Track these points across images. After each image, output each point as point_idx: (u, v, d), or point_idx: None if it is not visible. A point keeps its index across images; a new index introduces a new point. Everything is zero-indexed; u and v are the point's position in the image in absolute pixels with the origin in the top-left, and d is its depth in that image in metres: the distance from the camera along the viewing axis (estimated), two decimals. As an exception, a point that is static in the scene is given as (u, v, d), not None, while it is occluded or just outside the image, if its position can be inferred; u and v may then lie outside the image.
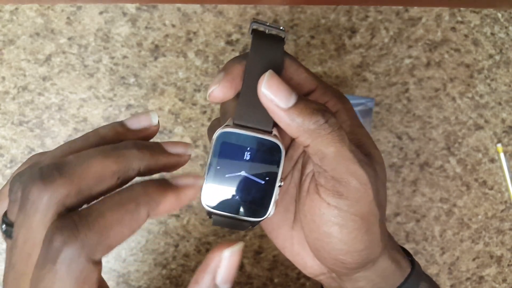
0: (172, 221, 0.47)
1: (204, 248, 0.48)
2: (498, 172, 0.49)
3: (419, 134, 0.48)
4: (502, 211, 0.49)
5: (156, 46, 0.46)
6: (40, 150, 0.46)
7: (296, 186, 0.29)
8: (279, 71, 0.25)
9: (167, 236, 0.47)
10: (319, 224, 0.26)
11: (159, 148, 0.24)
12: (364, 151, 0.27)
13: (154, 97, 0.47)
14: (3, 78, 0.46)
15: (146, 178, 0.22)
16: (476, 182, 0.49)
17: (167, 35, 0.47)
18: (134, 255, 0.47)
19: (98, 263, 0.20)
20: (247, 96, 0.25)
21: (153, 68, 0.46)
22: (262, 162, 0.25)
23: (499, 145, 0.49)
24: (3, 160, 0.46)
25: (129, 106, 0.46)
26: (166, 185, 0.22)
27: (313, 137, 0.24)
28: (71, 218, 0.20)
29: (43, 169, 0.21)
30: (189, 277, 0.48)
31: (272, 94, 0.23)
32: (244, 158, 0.25)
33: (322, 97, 0.27)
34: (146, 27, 0.46)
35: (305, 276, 0.48)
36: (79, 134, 0.46)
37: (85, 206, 0.21)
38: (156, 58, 0.46)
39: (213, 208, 0.25)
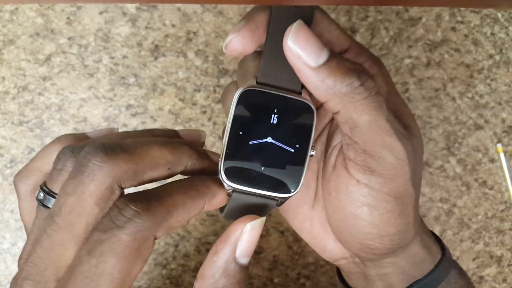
0: (172, 221, 0.47)
1: (204, 248, 0.48)
2: (498, 172, 0.49)
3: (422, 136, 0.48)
4: (502, 211, 0.49)
5: (156, 46, 0.46)
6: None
7: (319, 160, 0.26)
8: (308, 24, 0.21)
9: (167, 236, 0.47)
10: (345, 204, 0.23)
11: (205, 153, 0.24)
12: (402, 122, 0.23)
13: (154, 97, 0.47)
14: (3, 78, 0.46)
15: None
16: (476, 182, 0.49)
17: (167, 35, 0.47)
18: (134, 255, 0.47)
19: (154, 241, 0.21)
20: (272, 51, 0.21)
21: (153, 68, 0.46)
22: (292, 127, 0.22)
23: (499, 145, 0.49)
24: (3, 160, 0.46)
25: (129, 106, 0.46)
26: (220, 182, 0.22)
27: (344, 102, 0.20)
28: (144, 192, 0.20)
29: (107, 144, 0.21)
30: (189, 277, 0.48)
31: (300, 49, 0.20)
32: (271, 121, 0.21)
33: (356, 58, 0.23)
34: (146, 27, 0.46)
35: (305, 276, 0.48)
36: (79, 134, 0.46)
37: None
38: (156, 58, 0.46)
39: (234, 182, 0.22)
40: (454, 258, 0.49)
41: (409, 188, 0.22)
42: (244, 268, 0.22)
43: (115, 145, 0.21)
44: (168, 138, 0.24)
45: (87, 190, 0.20)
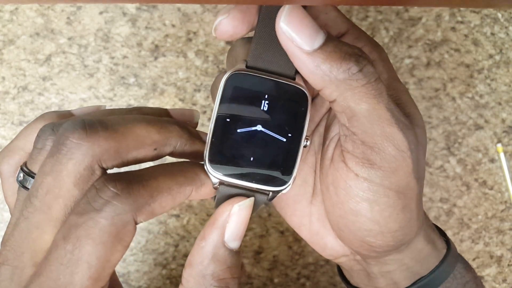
0: (172, 221, 0.47)
1: (204, 248, 0.48)
2: (498, 172, 0.49)
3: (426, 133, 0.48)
4: (502, 211, 0.49)
5: (156, 46, 0.46)
6: (40, 150, 0.46)
7: (316, 153, 0.24)
8: (303, 6, 0.19)
9: (167, 236, 0.47)
10: (344, 199, 0.21)
11: (196, 134, 0.22)
12: (403, 111, 0.22)
13: (154, 97, 0.47)
14: (3, 78, 0.46)
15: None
16: (476, 182, 0.49)
17: (167, 35, 0.47)
18: (134, 255, 0.47)
19: (135, 227, 0.19)
20: (264, 32, 0.20)
21: (153, 68, 0.46)
22: (284, 114, 0.20)
23: (499, 145, 0.49)
24: (3, 160, 0.46)
25: (129, 106, 0.46)
26: None
27: (341, 89, 0.19)
28: (125, 173, 0.19)
29: (86, 120, 0.19)
30: (189, 277, 0.48)
31: (293, 32, 0.18)
32: (261, 108, 0.20)
33: (354, 43, 0.22)
34: (146, 27, 0.46)
35: (305, 276, 0.48)
36: (79, 134, 0.46)
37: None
38: (156, 58, 0.46)
39: (220, 174, 0.20)
40: (454, 258, 0.49)
41: (411, 181, 0.21)
42: (235, 253, 0.20)
43: (96, 122, 0.19)
44: (157, 117, 0.22)
45: (65, 169, 0.19)
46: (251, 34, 0.21)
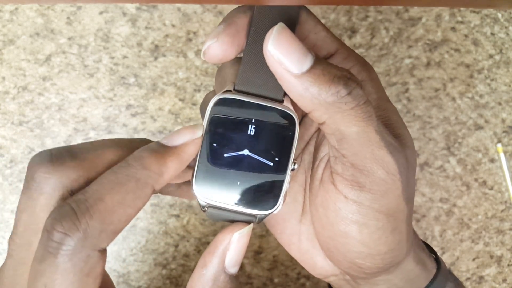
0: (172, 221, 0.47)
1: (204, 248, 0.48)
2: (498, 172, 0.49)
3: (419, 134, 0.48)
4: (502, 211, 0.49)
5: (156, 46, 0.46)
6: (40, 150, 0.46)
7: (306, 172, 0.24)
8: (292, 26, 0.19)
9: (167, 236, 0.47)
10: (333, 221, 0.21)
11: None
12: (393, 132, 0.22)
13: (154, 97, 0.47)
14: (3, 78, 0.46)
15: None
16: (476, 182, 0.49)
17: (167, 35, 0.47)
18: (134, 255, 0.47)
19: (103, 253, 0.18)
20: (252, 55, 0.20)
21: (153, 68, 0.46)
22: (271, 138, 0.20)
23: (499, 145, 0.49)
24: (3, 160, 0.46)
25: (129, 106, 0.46)
26: (163, 151, 0.19)
27: (330, 112, 0.19)
28: (69, 206, 0.18)
29: (53, 151, 0.19)
30: (189, 277, 0.48)
31: (282, 55, 0.18)
32: (248, 132, 0.20)
33: (343, 63, 0.22)
34: (146, 27, 0.46)
35: (305, 276, 0.48)
36: (79, 134, 0.46)
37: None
38: (156, 58, 0.46)
39: (207, 198, 0.20)
40: (454, 258, 0.49)
41: (401, 203, 0.21)
42: (234, 278, 0.21)
43: (63, 152, 0.19)
44: (130, 138, 0.21)
45: (38, 204, 0.19)
46: (241, 54, 0.21)
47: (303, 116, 0.24)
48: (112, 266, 0.47)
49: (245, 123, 0.20)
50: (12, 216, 0.46)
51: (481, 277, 0.49)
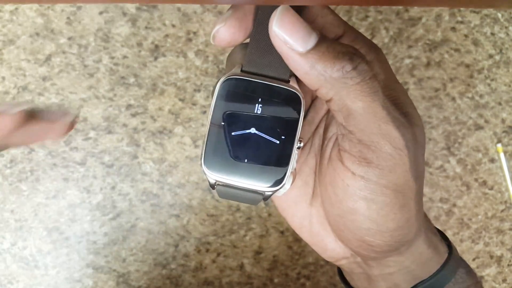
0: (172, 221, 0.47)
1: (204, 248, 0.48)
2: (498, 172, 0.49)
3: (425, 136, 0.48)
4: (502, 211, 0.49)
5: (156, 46, 0.46)
6: (40, 150, 0.46)
7: (317, 155, 0.24)
8: (299, 9, 0.20)
9: (167, 236, 0.47)
10: (342, 199, 0.21)
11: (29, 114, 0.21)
12: (401, 110, 0.21)
13: (154, 97, 0.47)
14: (3, 78, 0.46)
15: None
16: (476, 182, 0.49)
17: (167, 35, 0.47)
18: (134, 255, 0.47)
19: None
20: (259, 38, 0.20)
21: (153, 68, 0.46)
22: (277, 117, 0.20)
23: (499, 145, 0.49)
24: (3, 160, 0.46)
25: (129, 106, 0.46)
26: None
27: (337, 88, 0.19)
28: None
29: None
30: (189, 277, 0.48)
31: (286, 34, 0.18)
32: (255, 111, 0.20)
33: (351, 45, 0.21)
34: (146, 27, 0.46)
35: (305, 276, 0.48)
36: (79, 134, 0.46)
37: None
38: (156, 58, 0.46)
39: (216, 176, 0.21)
40: (454, 258, 0.49)
41: (409, 180, 0.21)
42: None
43: None
44: None
45: None
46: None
47: (313, 99, 0.24)
48: (112, 266, 0.47)
49: (252, 102, 0.20)
50: (12, 216, 0.46)
51: (481, 277, 0.49)
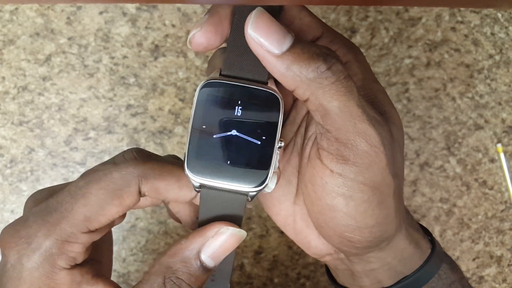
0: (172, 221, 0.47)
1: (204, 248, 0.48)
2: (498, 172, 0.49)
3: (419, 134, 0.48)
4: (502, 211, 0.49)
5: (156, 46, 0.46)
6: (40, 150, 0.46)
7: (299, 154, 0.25)
8: (276, 13, 0.20)
9: (167, 236, 0.47)
10: (321, 196, 0.22)
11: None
12: (378, 109, 0.22)
13: (154, 97, 0.47)
14: (3, 78, 0.46)
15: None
16: (476, 182, 0.49)
17: (167, 35, 0.47)
18: (134, 255, 0.47)
19: (138, 194, 0.22)
20: (236, 42, 0.21)
21: (153, 68, 0.46)
22: (257, 118, 0.21)
23: (499, 145, 0.49)
24: (3, 160, 0.46)
25: (129, 106, 0.46)
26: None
27: (312, 88, 0.19)
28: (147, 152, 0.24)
29: None
30: (189, 277, 0.48)
31: (261, 37, 0.19)
32: (235, 114, 0.21)
33: (329, 46, 0.22)
34: (146, 27, 0.46)
35: (305, 276, 0.48)
36: (79, 134, 0.46)
37: None
38: (156, 58, 0.46)
39: (200, 178, 0.21)
40: (454, 258, 0.49)
41: (387, 177, 0.21)
42: (204, 268, 0.21)
43: None
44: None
45: None
46: None
47: (295, 99, 0.25)
48: (112, 266, 0.47)
49: (231, 105, 0.21)
50: (12, 216, 0.46)
51: (481, 277, 0.49)
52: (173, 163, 0.23)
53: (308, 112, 0.24)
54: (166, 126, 0.47)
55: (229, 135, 0.21)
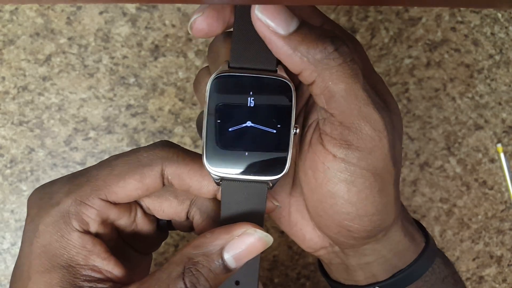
0: (172, 221, 0.47)
1: (204, 248, 0.48)
2: (498, 172, 0.49)
3: (419, 134, 0.48)
4: (502, 211, 0.49)
5: (156, 46, 0.46)
6: (40, 150, 0.46)
7: (296, 145, 0.25)
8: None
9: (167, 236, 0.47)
10: (322, 182, 0.22)
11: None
12: (380, 96, 0.22)
13: (154, 97, 0.47)
14: (3, 78, 0.46)
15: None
16: (476, 182, 0.49)
17: (167, 35, 0.47)
18: (134, 255, 0.47)
19: (161, 178, 0.23)
20: (241, 31, 0.20)
21: (153, 68, 0.46)
22: (270, 107, 0.21)
23: (499, 145, 0.49)
24: (3, 160, 0.46)
25: (129, 106, 0.46)
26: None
27: (319, 69, 0.19)
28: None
29: None
30: (189, 277, 0.48)
31: (268, 18, 0.19)
32: (248, 104, 0.21)
33: None
34: (146, 27, 0.46)
35: (305, 276, 0.48)
36: (79, 134, 0.46)
37: None
38: (156, 58, 0.46)
39: (220, 172, 0.21)
40: (454, 258, 0.49)
41: (388, 163, 0.21)
42: (224, 267, 0.21)
43: None
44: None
45: None
46: (230, 29, 0.22)
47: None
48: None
49: (244, 97, 0.21)
50: (12, 216, 0.46)
51: (481, 277, 0.49)
52: (197, 153, 0.23)
53: (306, 102, 0.24)
54: (166, 126, 0.47)
55: (244, 126, 0.21)
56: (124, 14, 0.46)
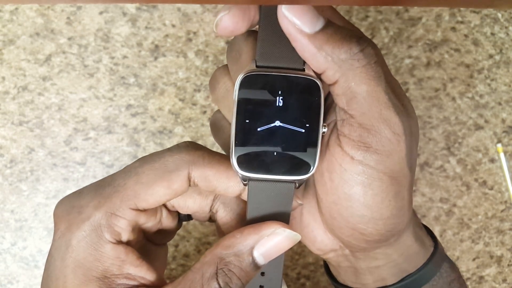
0: (172, 221, 0.47)
1: (204, 248, 0.48)
2: (498, 172, 0.49)
3: (419, 134, 0.48)
4: (502, 211, 0.49)
5: (156, 46, 0.46)
6: (40, 150, 0.46)
7: None
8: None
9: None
10: (338, 184, 0.22)
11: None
12: (399, 100, 0.22)
13: (154, 97, 0.47)
14: (3, 78, 0.46)
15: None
16: (476, 182, 0.49)
17: (167, 35, 0.47)
18: (134, 255, 0.47)
19: (187, 182, 0.23)
20: (268, 31, 0.20)
21: (153, 68, 0.46)
22: (299, 106, 0.21)
23: (499, 145, 0.49)
24: (3, 160, 0.46)
25: (129, 106, 0.46)
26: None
27: (343, 69, 0.19)
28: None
29: None
30: (189, 277, 0.48)
31: (295, 16, 0.19)
32: (277, 104, 0.21)
33: None
34: (146, 27, 0.46)
35: (305, 276, 0.48)
36: (79, 134, 0.46)
37: None
38: (156, 58, 0.46)
39: (249, 172, 0.21)
40: (454, 258, 0.49)
41: (404, 168, 0.21)
42: (254, 264, 0.21)
43: None
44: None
45: None
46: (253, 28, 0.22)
47: None
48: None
49: (272, 96, 0.21)
50: (12, 216, 0.46)
51: (481, 277, 0.49)
52: (222, 154, 0.23)
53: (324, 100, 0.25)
54: (166, 126, 0.47)
55: (273, 126, 0.21)
56: (124, 14, 0.46)
